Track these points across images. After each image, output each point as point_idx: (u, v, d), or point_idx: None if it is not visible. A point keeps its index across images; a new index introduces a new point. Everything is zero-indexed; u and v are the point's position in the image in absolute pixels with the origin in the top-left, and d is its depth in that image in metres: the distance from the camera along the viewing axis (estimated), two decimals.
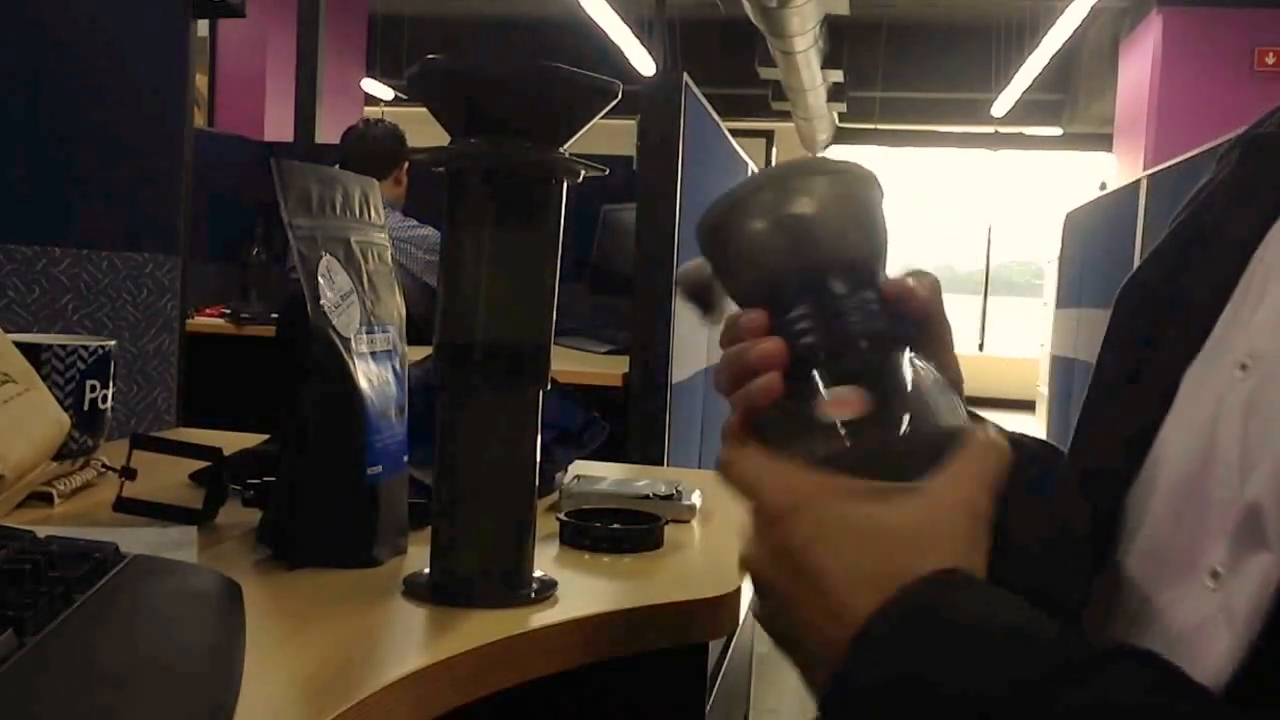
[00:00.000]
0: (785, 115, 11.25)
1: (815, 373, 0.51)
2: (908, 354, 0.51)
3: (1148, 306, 0.62)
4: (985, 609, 0.43)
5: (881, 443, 0.49)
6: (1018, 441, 0.63)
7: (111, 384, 1.04)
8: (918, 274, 0.53)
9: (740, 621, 0.80)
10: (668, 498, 0.97)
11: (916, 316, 0.53)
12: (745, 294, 0.56)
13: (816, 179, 0.54)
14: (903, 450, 0.49)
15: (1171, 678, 0.41)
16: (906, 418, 0.49)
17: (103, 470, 1.00)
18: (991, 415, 0.65)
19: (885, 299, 0.52)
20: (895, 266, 0.55)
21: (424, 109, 0.72)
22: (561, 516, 0.90)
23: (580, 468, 1.13)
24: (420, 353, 0.89)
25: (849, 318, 0.52)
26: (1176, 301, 0.59)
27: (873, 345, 0.51)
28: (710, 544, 0.93)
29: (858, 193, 0.55)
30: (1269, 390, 0.49)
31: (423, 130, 1.23)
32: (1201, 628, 0.47)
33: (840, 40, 10.27)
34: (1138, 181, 4.27)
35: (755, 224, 0.54)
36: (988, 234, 12.74)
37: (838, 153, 12.06)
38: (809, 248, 0.53)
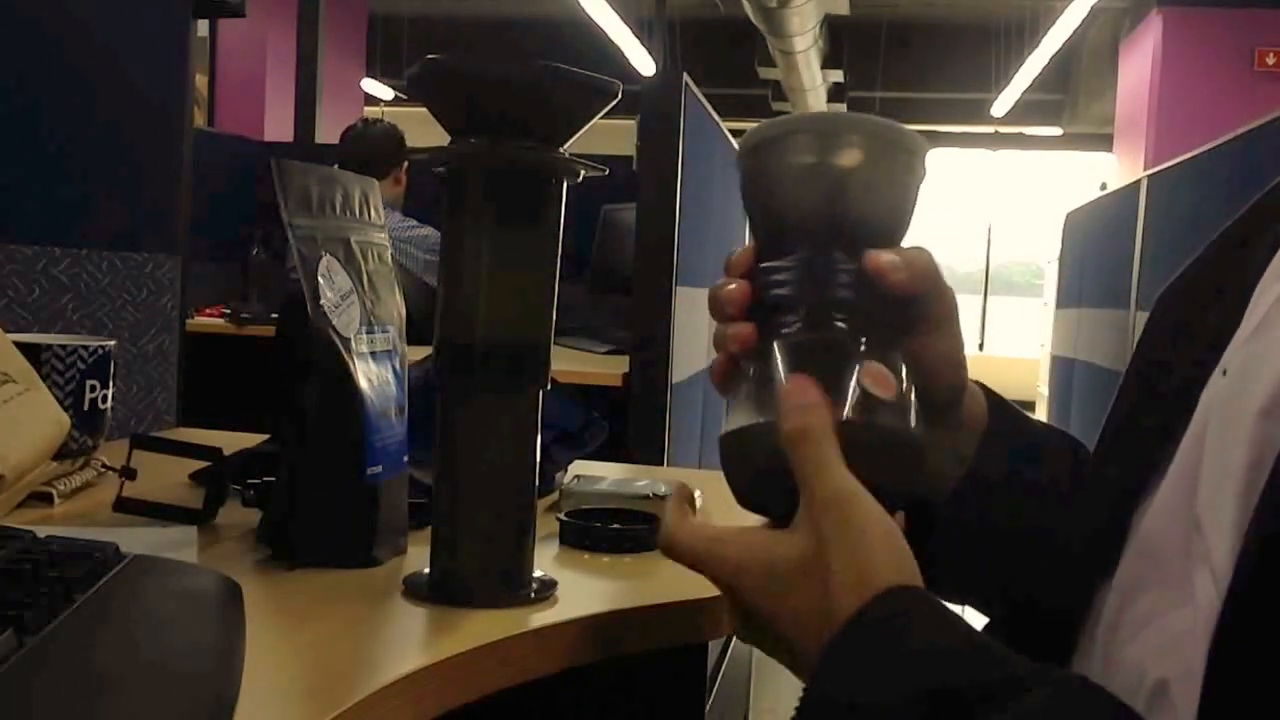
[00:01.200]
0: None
1: (773, 332, 0.50)
2: (862, 342, 0.50)
3: (1184, 307, 0.60)
4: (931, 628, 0.45)
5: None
6: (1034, 432, 0.63)
7: (111, 384, 1.04)
8: (908, 251, 0.51)
9: None
10: (667, 498, 0.97)
11: (901, 294, 0.51)
12: (756, 222, 0.54)
13: (870, 140, 0.52)
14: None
15: (1090, 704, 0.41)
16: (851, 406, 0.48)
17: (103, 470, 1.00)
18: None
19: (866, 276, 0.50)
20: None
21: (424, 109, 0.72)
22: (561, 516, 0.90)
23: (580, 468, 1.13)
24: (420, 353, 0.89)
25: (830, 284, 0.50)
26: (1212, 304, 0.57)
27: (844, 319, 0.50)
28: None
29: (900, 168, 0.53)
30: (1219, 402, 0.48)
31: (423, 130, 1.23)
32: (1181, 640, 0.46)
33: (840, 40, 10.27)
34: (1138, 182, 4.27)
35: (791, 160, 0.53)
36: (988, 234, 12.74)
37: None
38: (828, 206, 0.52)
